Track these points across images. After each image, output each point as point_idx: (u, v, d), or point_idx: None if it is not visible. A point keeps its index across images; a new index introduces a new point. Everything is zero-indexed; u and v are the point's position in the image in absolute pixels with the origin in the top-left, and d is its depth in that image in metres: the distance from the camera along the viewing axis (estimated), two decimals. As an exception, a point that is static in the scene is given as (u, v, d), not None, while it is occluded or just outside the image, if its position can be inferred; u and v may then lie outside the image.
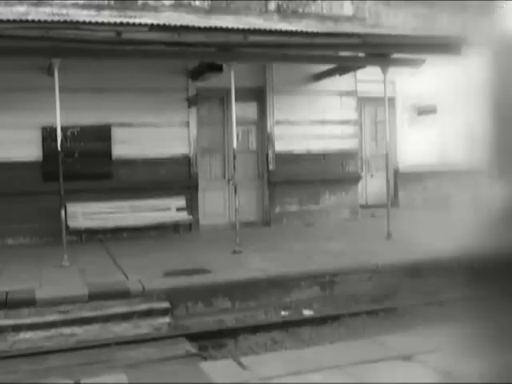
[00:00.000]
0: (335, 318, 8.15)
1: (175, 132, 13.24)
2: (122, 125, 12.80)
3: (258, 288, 8.82)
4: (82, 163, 12.46)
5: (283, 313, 8.55)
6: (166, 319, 7.94)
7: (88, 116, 12.42)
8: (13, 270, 9.46)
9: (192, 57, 11.47)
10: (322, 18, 14.46)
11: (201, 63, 12.22)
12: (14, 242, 12.05)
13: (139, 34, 9.80)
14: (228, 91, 11.04)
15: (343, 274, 9.34)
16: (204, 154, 13.91)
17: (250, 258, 10.08)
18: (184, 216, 12.91)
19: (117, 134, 12.80)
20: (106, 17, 11.87)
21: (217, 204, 13.82)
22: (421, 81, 17.45)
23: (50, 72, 10.31)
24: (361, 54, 12.10)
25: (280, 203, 14.17)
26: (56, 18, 10.35)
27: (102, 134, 12.70)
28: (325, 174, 14.56)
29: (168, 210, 12.89)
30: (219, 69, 11.57)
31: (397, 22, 17.77)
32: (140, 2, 12.89)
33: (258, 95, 14.26)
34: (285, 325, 7.93)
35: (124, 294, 8.15)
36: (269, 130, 14.13)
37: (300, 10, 14.33)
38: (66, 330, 7.51)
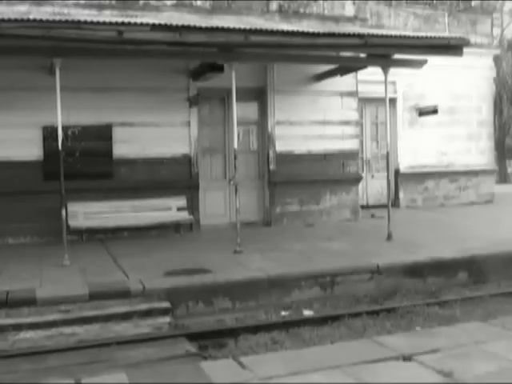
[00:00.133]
0: (335, 318, 8.14)
1: (176, 132, 13.24)
2: (123, 124, 12.80)
3: (258, 288, 8.82)
4: (82, 163, 12.46)
5: (283, 313, 8.55)
6: (167, 319, 7.94)
7: (89, 115, 12.43)
8: (13, 269, 9.46)
9: (193, 57, 11.47)
10: (323, 18, 14.46)
11: (202, 63, 12.23)
12: (14, 242, 12.05)
13: (140, 34, 9.79)
14: (229, 91, 11.04)
15: (344, 275, 9.34)
16: (205, 153, 13.91)
17: (251, 258, 10.08)
18: (185, 216, 12.91)
19: (118, 133, 12.80)
20: (108, 16, 11.88)
21: (217, 204, 13.82)
22: (422, 81, 17.50)
23: (51, 71, 10.32)
24: (362, 55, 12.10)
25: (281, 203, 14.17)
26: (57, 18, 10.34)
27: (103, 134, 12.69)
28: (325, 174, 14.57)
29: (169, 209, 12.89)
30: (220, 69, 11.57)
31: (398, 23, 17.81)
32: (141, 2, 12.90)
33: (258, 95, 14.26)
34: (285, 325, 7.93)
35: (124, 294, 8.16)
36: (270, 130, 14.13)
37: (301, 10, 14.33)
38: (67, 330, 7.51)
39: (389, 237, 11.57)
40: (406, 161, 17.84)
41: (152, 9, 12.90)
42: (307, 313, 8.57)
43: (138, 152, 12.94)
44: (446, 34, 15.83)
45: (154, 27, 9.86)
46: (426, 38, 11.78)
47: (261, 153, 14.38)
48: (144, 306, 8.00)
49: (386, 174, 12.58)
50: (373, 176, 17.69)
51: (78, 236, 12.18)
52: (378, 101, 15.91)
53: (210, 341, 7.41)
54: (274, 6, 14.11)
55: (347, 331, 7.69)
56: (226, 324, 8.10)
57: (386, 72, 11.58)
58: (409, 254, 10.32)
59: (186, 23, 10.42)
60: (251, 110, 14.31)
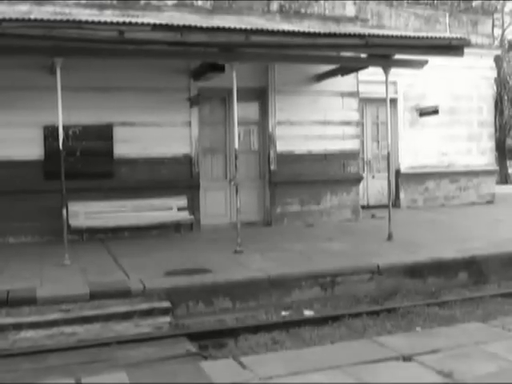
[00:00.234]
0: (336, 318, 8.15)
1: (177, 132, 13.24)
2: (124, 124, 12.81)
3: (258, 288, 8.83)
4: (83, 162, 12.47)
5: (284, 313, 8.56)
6: (167, 318, 7.95)
7: (90, 115, 12.43)
8: (14, 268, 9.46)
9: (194, 57, 11.48)
10: (324, 18, 14.47)
11: (203, 63, 12.23)
12: (15, 241, 12.05)
13: (141, 34, 9.79)
14: (230, 91, 11.04)
15: (344, 275, 9.34)
16: (206, 153, 13.91)
17: (251, 258, 10.08)
18: (185, 216, 12.91)
19: (118, 133, 12.80)
20: (109, 16, 11.88)
21: (218, 204, 13.83)
22: (423, 82, 17.51)
23: (52, 71, 10.32)
24: (363, 55, 12.09)
25: (281, 203, 14.17)
26: (58, 17, 10.35)
27: (104, 134, 12.70)
28: (326, 174, 14.57)
29: (169, 209, 12.89)
30: (221, 69, 11.58)
31: (399, 23, 17.81)
32: (142, 2, 12.90)
33: (259, 95, 14.26)
34: (285, 325, 7.94)
35: (125, 293, 8.17)
36: (270, 130, 14.13)
37: (302, 10, 14.34)
38: (67, 329, 7.52)
39: (389, 237, 11.58)
40: (407, 161, 17.84)
41: (153, 9, 12.91)
42: (307, 313, 8.58)
43: (139, 152, 12.95)
44: (447, 35, 15.82)
45: (155, 27, 9.86)
46: (427, 38, 11.78)
47: (261, 153, 14.39)
48: (144, 306, 8.00)
49: (386, 174, 12.58)
50: (373, 176, 17.69)
51: (79, 235, 12.19)
52: (379, 101, 15.91)
53: (211, 341, 7.42)
54: (274, 6, 14.11)
55: (347, 331, 7.70)
56: (226, 324, 8.11)
57: (386, 72, 11.59)
58: (409, 254, 10.33)
59: (186, 23, 10.43)
60: (252, 110, 14.32)
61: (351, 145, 14.91)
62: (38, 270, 9.25)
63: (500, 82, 28.91)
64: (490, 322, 6.23)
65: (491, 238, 11.79)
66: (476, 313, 8.35)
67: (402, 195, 17.77)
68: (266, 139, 14.19)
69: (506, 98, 30.94)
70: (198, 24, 10.40)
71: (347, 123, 14.83)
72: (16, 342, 7.26)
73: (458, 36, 12.35)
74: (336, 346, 6.21)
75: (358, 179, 15.09)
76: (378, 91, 14.28)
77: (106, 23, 9.64)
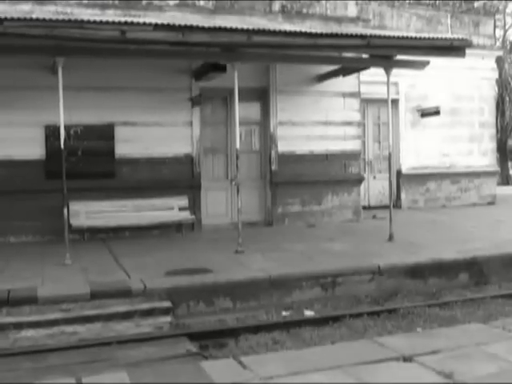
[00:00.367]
0: (336, 318, 8.15)
1: (178, 131, 13.25)
2: (126, 124, 12.81)
3: (259, 288, 8.83)
4: (84, 162, 12.47)
5: (284, 313, 8.56)
6: (168, 318, 7.95)
7: (91, 115, 12.44)
8: (15, 267, 9.47)
9: (196, 57, 11.49)
10: (325, 19, 14.46)
11: (204, 63, 12.24)
12: (16, 240, 12.06)
13: (143, 34, 9.80)
14: (231, 91, 11.04)
15: (345, 275, 9.34)
16: (207, 153, 13.91)
17: (252, 258, 10.09)
18: (186, 216, 12.91)
19: (120, 132, 12.81)
20: (111, 16, 11.89)
21: (219, 204, 13.83)
22: (424, 83, 17.51)
23: (53, 70, 10.33)
24: (364, 56, 12.10)
25: (282, 204, 14.18)
26: (60, 17, 10.36)
27: (105, 133, 12.70)
28: (327, 174, 14.57)
29: (170, 209, 12.89)
30: (223, 69, 11.58)
31: (401, 24, 17.81)
32: (144, 2, 12.91)
33: (261, 95, 14.26)
34: (286, 325, 7.94)
35: (126, 293, 8.17)
36: (272, 130, 14.13)
37: (304, 10, 14.34)
38: (68, 328, 7.52)
39: (390, 238, 11.57)
40: (408, 162, 17.84)
41: (155, 9, 12.91)
42: (308, 313, 8.58)
43: (140, 151, 12.95)
44: (449, 35, 15.82)
45: (157, 27, 9.87)
46: (429, 39, 11.78)
47: (263, 153, 14.39)
48: (145, 306, 8.01)
49: (387, 174, 12.58)
50: (375, 177, 17.69)
51: (80, 235, 12.20)
52: (380, 102, 15.90)
53: (211, 340, 7.42)
54: (276, 6, 14.11)
55: (348, 332, 7.70)
56: (226, 324, 8.12)
57: (388, 73, 11.59)
58: (410, 254, 10.33)
59: (188, 23, 10.43)
60: (253, 110, 14.32)
61: (352, 145, 14.91)
62: (39, 270, 9.25)
63: (501, 83, 28.91)
64: (491, 323, 6.23)
65: (492, 238, 11.79)
66: (477, 314, 8.35)
67: (403, 196, 17.77)
68: (268, 139, 14.20)
69: (507, 99, 30.93)
70: (200, 24, 10.40)
71: (349, 124, 14.83)
72: (17, 341, 7.27)
73: (460, 37, 12.35)
74: (336, 347, 6.21)
75: (359, 180, 15.09)
76: (380, 92, 14.26)
77: (107, 23, 9.64)
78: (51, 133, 12.06)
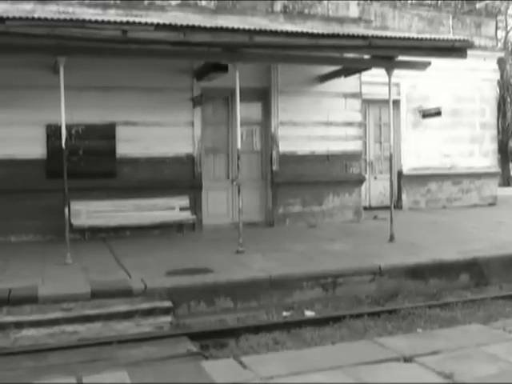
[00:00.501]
0: (337, 319, 8.16)
1: (179, 131, 13.25)
2: (127, 123, 12.82)
3: (260, 288, 8.84)
4: (86, 161, 12.47)
5: (285, 313, 8.57)
6: (168, 318, 7.96)
7: (93, 114, 12.45)
8: (15, 267, 9.48)
9: (197, 57, 11.50)
10: (327, 19, 14.46)
11: (206, 63, 12.25)
12: (17, 240, 12.06)
13: (145, 33, 9.80)
14: (233, 91, 11.05)
15: (345, 276, 9.35)
16: (208, 153, 13.92)
17: (253, 259, 10.09)
18: (187, 215, 12.91)
19: (121, 132, 12.81)
20: (112, 15, 11.90)
21: (220, 204, 13.83)
22: (425, 83, 17.51)
23: (55, 70, 10.34)
24: (366, 56, 12.10)
25: (283, 204, 14.18)
26: (62, 16, 10.38)
27: (107, 133, 12.71)
28: (328, 175, 14.57)
29: (171, 209, 12.89)
30: (224, 69, 11.59)
31: (402, 25, 17.81)
32: (146, 2, 12.91)
33: (262, 96, 14.27)
34: (286, 325, 7.94)
35: (126, 293, 8.18)
36: (273, 130, 14.13)
37: (306, 11, 14.34)
38: (68, 328, 7.53)
39: (391, 238, 11.57)
40: (409, 163, 17.83)
41: (157, 8, 12.91)
42: (309, 313, 8.59)
43: (142, 151, 12.96)
44: (450, 36, 15.82)
45: (158, 27, 9.87)
46: (430, 39, 11.77)
47: (264, 153, 14.39)
48: (146, 305, 8.01)
49: (388, 175, 12.59)
50: (376, 177, 17.69)
51: (81, 234, 12.20)
52: (382, 102, 15.90)
53: (212, 340, 7.43)
54: (278, 6, 14.11)
55: (348, 332, 7.70)
56: (227, 324, 8.12)
57: (389, 74, 11.59)
58: (411, 255, 10.33)
59: (190, 23, 10.44)
60: (255, 110, 14.33)
61: (354, 146, 14.91)
62: (40, 269, 9.26)
63: (503, 84, 28.90)
64: (491, 324, 6.24)
65: (493, 239, 11.79)
66: (477, 315, 8.35)
67: (404, 197, 17.76)
68: (269, 139, 14.20)
69: (508, 100, 30.92)
70: (202, 24, 10.40)
71: (350, 124, 14.84)
72: (17, 341, 7.28)
73: (462, 38, 12.35)
74: (337, 347, 6.22)
75: (360, 180, 15.09)
76: (381, 92, 14.25)
77: (109, 22, 9.65)
78: (52, 132, 12.06)
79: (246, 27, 10.39)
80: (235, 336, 7.54)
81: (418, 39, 11.85)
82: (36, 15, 10.14)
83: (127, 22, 9.71)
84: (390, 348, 5.07)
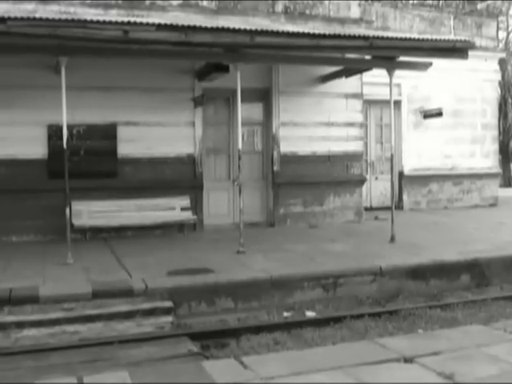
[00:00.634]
0: (338, 319, 8.16)
1: (181, 132, 13.25)
2: (128, 124, 12.82)
3: (260, 288, 8.84)
4: (87, 161, 12.48)
5: (286, 314, 8.57)
6: (169, 318, 7.96)
7: (94, 114, 12.46)
8: (16, 266, 9.49)
9: (198, 57, 11.50)
10: (328, 20, 14.47)
11: (207, 63, 12.25)
12: (17, 239, 12.07)
13: (146, 34, 9.81)
14: (234, 92, 11.06)
15: (346, 276, 9.35)
16: (209, 154, 13.92)
17: (254, 259, 10.09)
18: (188, 216, 12.92)
19: (122, 132, 12.82)
20: (114, 16, 11.91)
21: (221, 204, 13.83)
22: (427, 84, 17.51)
23: (56, 70, 10.34)
24: (367, 57, 12.11)
25: (284, 204, 14.18)
26: (63, 17, 10.38)
27: (108, 133, 12.72)
28: (329, 175, 14.57)
29: (172, 209, 12.90)
30: (226, 69, 11.59)
31: (404, 25, 17.81)
32: (147, 2, 12.92)
33: (263, 96, 14.27)
34: (287, 326, 7.95)
35: (127, 293, 8.18)
36: (274, 131, 14.13)
37: (307, 11, 14.34)
38: (69, 328, 7.54)
39: (392, 239, 11.57)
40: (410, 163, 17.83)
41: (158, 9, 12.92)
42: (309, 314, 8.59)
43: (143, 151, 12.96)
44: (452, 37, 15.82)
45: (160, 27, 9.87)
46: (432, 40, 11.77)
47: (265, 154, 14.39)
48: (147, 305, 8.02)
49: (389, 176, 12.59)
50: (377, 178, 17.68)
51: (82, 234, 12.21)
52: (383, 103, 15.90)
53: (212, 340, 7.43)
54: (279, 7, 14.12)
55: (349, 332, 7.70)
56: (228, 324, 8.13)
57: (391, 74, 11.59)
58: (412, 256, 10.33)
59: (191, 23, 10.44)
60: (256, 110, 14.33)
61: (355, 146, 14.91)
62: (41, 269, 9.27)
63: (504, 84, 28.87)
64: (492, 325, 6.23)
65: (494, 240, 11.79)
66: (478, 315, 8.35)
67: (405, 197, 17.76)
68: (270, 140, 14.20)
69: (509, 100, 30.90)
70: (203, 24, 10.41)
71: (351, 125, 14.84)
72: (18, 340, 7.28)
73: (463, 38, 12.36)
74: (337, 347, 6.22)
75: (361, 181, 15.09)
76: (382, 93, 14.24)
77: (110, 23, 9.66)
78: (54, 132, 12.08)
79: (248, 28, 10.40)
80: (236, 336, 7.54)
81: (419, 40, 11.85)
82: (37, 15, 10.15)
83: (128, 23, 9.72)
84: (391, 348, 5.07)
